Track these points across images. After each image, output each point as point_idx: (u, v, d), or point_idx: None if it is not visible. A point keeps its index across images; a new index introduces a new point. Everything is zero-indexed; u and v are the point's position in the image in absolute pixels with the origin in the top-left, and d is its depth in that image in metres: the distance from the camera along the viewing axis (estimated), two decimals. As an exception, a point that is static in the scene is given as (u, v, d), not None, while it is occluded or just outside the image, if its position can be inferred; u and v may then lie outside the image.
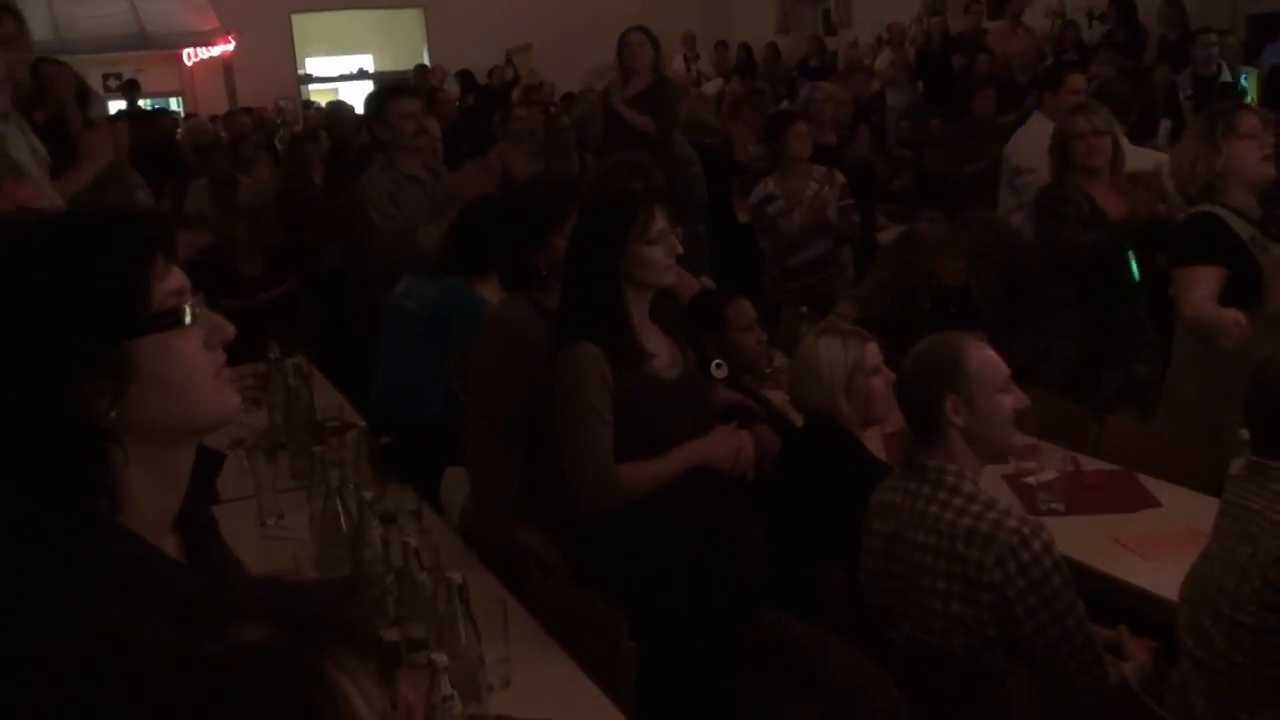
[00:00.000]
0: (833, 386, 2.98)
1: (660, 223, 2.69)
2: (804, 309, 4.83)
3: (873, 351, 2.99)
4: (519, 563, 2.89)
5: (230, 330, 1.29)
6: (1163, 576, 2.72)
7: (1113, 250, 3.95)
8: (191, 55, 15.28)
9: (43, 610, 1.12)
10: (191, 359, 1.24)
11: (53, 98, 4.95)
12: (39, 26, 11.55)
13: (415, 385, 3.99)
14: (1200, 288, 3.46)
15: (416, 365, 4.01)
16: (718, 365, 3.40)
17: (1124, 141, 4.31)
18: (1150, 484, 3.31)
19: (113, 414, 1.18)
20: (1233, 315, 3.32)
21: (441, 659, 2.09)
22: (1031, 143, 5.28)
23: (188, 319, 1.23)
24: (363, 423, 4.13)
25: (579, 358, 2.67)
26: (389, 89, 5.54)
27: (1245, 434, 2.28)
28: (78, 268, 1.18)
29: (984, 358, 2.50)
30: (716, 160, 7.20)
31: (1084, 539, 2.93)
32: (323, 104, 13.60)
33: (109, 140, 4.06)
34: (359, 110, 11.79)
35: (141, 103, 12.50)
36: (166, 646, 0.78)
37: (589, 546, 2.81)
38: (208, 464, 1.43)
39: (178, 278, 1.24)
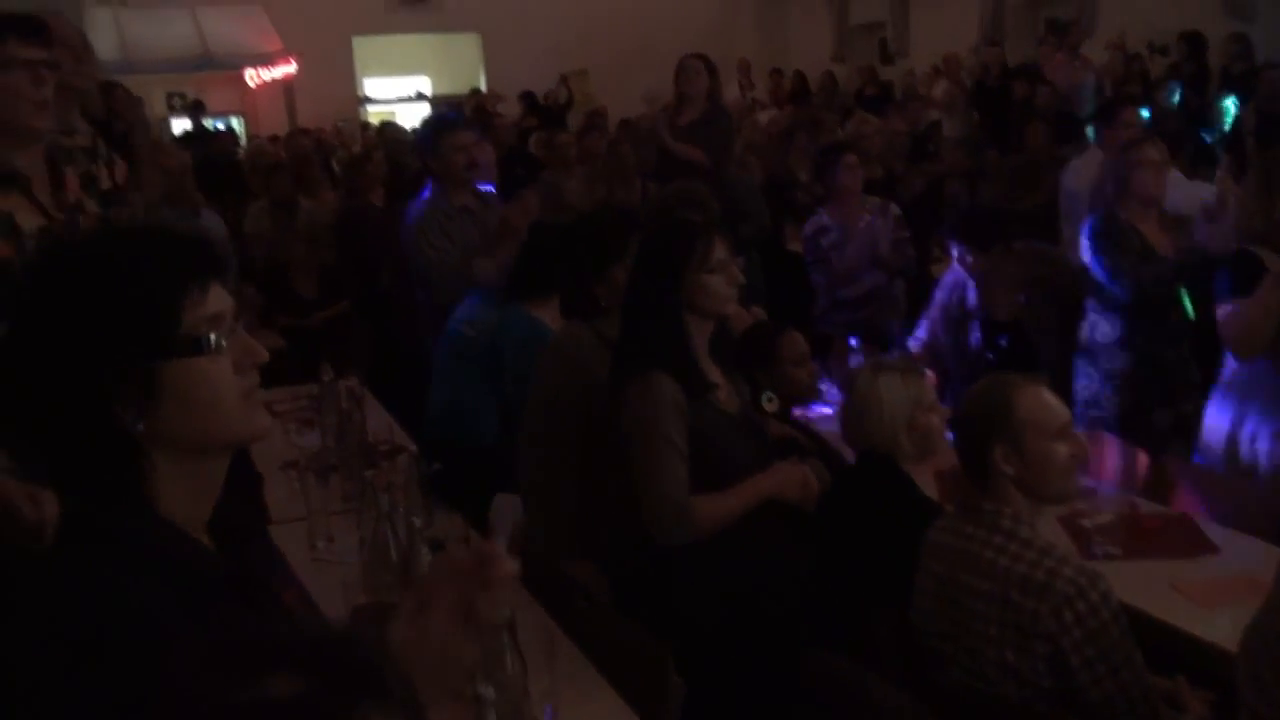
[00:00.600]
0: (894, 424, 2.94)
1: (720, 252, 2.70)
2: (856, 342, 4.79)
3: (929, 386, 2.96)
4: (566, 592, 2.88)
5: (262, 354, 1.36)
6: (1221, 626, 2.66)
7: (1169, 284, 3.90)
8: (254, 76, 15.51)
9: (97, 594, 1.21)
10: (218, 382, 1.31)
11: (123, 120, 5.03)
12: (107, 47, 11.80)
13: (470, 410, 4.01)
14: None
15: (472, 390, 4.03)
16: (769, 399, 3.38)
17: (1175, 175, 4.29)
18: (1209, 529, 3.24)
19: (140, 426, 1.27)
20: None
21: (488, 692, 2.07)
22: (1086, 172, 5.26)
23: (212, 347, 1.29)
24: (413, 446, 4.15)
25: (655, 387, 2.67)
26: (442, 120, 5.55)
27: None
28: (113, 291, 1.26)
29: (1037, 404, 2.44)
30: (771, 188, 7.20)
31: (1140, 585, 2.86)
32: (374, 125, 13.80)
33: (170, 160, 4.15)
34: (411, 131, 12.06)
35: (206, 122, 12.72)
36: (201, 692, 0.78)
37: (638, 578, 2.80)
38: (248, 483, 1.49)
39: (216, 303, 1.31)
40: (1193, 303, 3.99)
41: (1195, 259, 3.91)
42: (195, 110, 12.49)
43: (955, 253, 4.49)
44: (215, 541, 1.40)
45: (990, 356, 4.32)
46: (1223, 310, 3.48)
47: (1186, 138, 5.21)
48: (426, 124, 5.70)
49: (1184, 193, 4.37)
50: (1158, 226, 4.06)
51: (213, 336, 1.30)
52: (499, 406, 3.97)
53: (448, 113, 7.60)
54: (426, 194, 4.95)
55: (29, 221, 2.60)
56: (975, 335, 4.47)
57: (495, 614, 1.32)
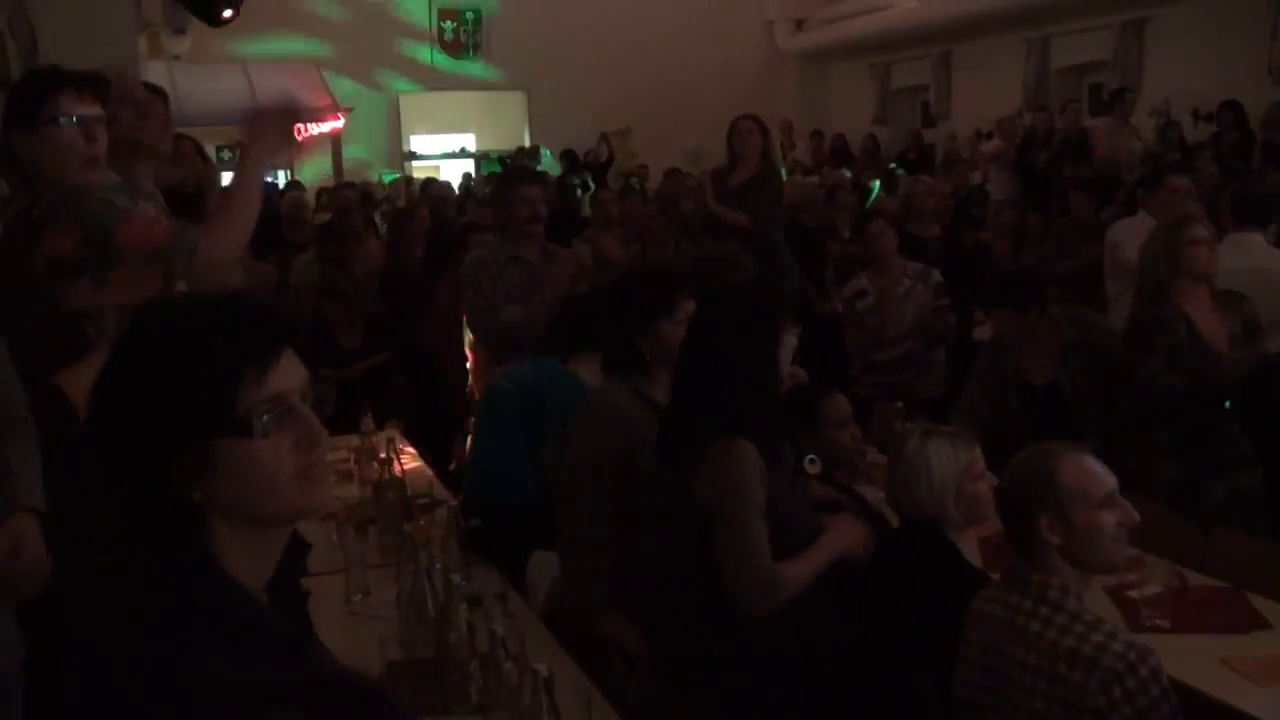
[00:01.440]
0: (944, 491, 2.90)
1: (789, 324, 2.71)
2: (899, 404, 4.76)
3: (978, 455, 2.92)
4: (603, 653, 2.85)
5: (321, 437, 1.37)
6: (1275, 704, 2.61)
7: (1196, 397, 3.86)
8: (302, 130, 15.69)
9: (151, 648, 1.24)
10: (270, 461, 1.33)
11: (189, 172, 5.09)
12: (160, 100, 12.04)
13: (510, 466, 4.00)
14: None
15: (511, 446, 4.02)
16: (811, 461, 3.35)
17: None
18: (1260, 603, 3.18)
19: (197, 495, 1.31)
20: None
21: (527, 756, 2.05)
22: (1140, 236, 5.24)
23: (262, 430, 1.31)
24: (452, 500, 4.14)
25: (742, 454, 2.65)
26: (515, 172, 5.65)
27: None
28: (174, 369, 1.30)
29: (1082, 473, 2.40)
30: (811, 244, 7.21)
31: (1190, 660, 2.80)
32: (418, 180, 13.95)
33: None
34: (455, 188, 12.19)
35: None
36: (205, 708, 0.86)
37: (679, 639, 2.77)
38: (296, 548, 1.50)
39: (280, 380, 1.33)
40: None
41: (1238, 375, 3.87)
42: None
43: (994, 321, 4.43)
44: (273, 603, 1.42)
45: (1027, 421, 4.28)
46: None
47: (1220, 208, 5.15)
48: (500, 174, 5.80)
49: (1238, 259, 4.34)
50: (1209, 305, 4.01)
51: (265, 419, 1.32)
52: (538, 463, 3.97)
53: (522, 165, 7.70)
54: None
55: None
56: (1012, 399, 4.43)
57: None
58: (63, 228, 2.47)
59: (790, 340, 2.74)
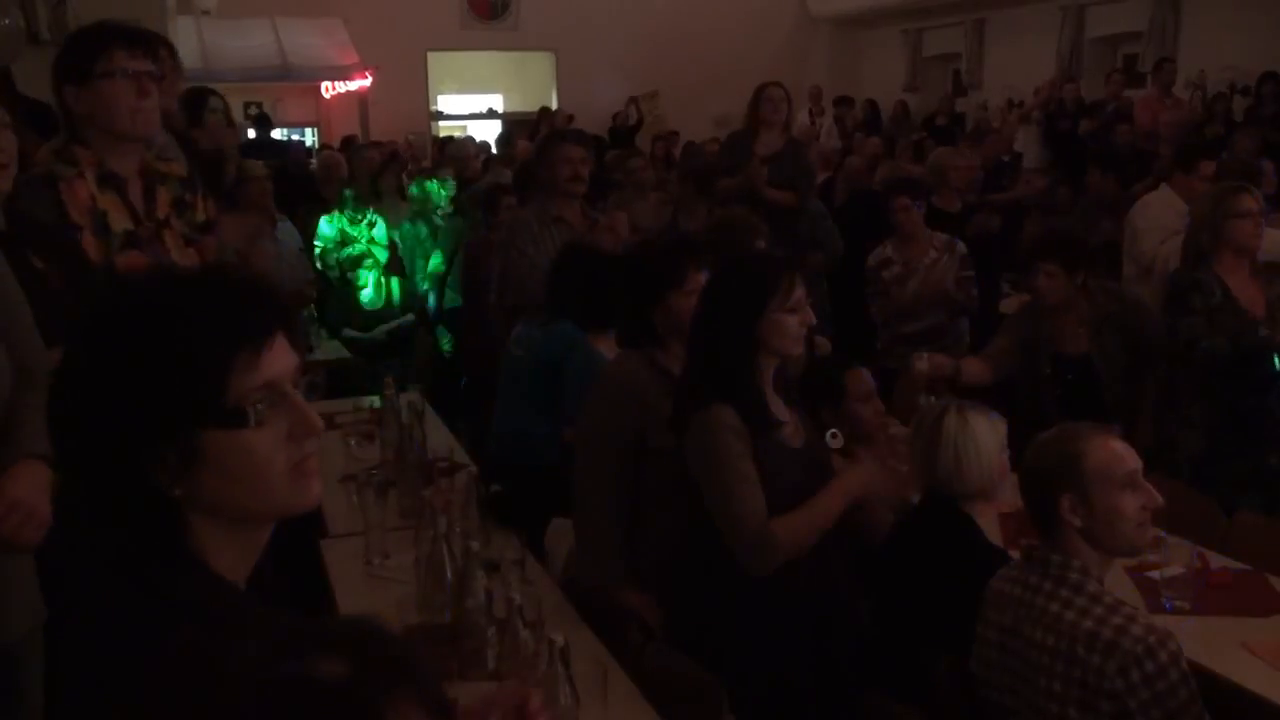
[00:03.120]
0: (991, 467, 2.87)
1: (799, 291, 2.67)
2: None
3: (1001, 432, 2.91)
4: (619, 623, 2.85)
5: (317, 427, 1.26)
6: (1291, 688, 2.59)
7: (1239, 362, 3.81)
8: (329, 88, 15.71)
9: (133, 635, 1.15)
10: (262, 454, 1.22)
11: (211, 133, 5.10)
12: (189, 55, 11.99)
13: (527, 432, 4.01)
14: None
15: (527, 412, 4.02)
16: (833, 435, 3.33)
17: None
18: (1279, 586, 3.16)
19: (177, 491, 1.20)
20: None
21: (542, 726, 2.05)
22: (1153, 212, 5.18)
23: (257, 420, 1.21)
24: (472, 465, 4.15)
25: (716, 420, 2.63)
26: (558, 133, 5.64)
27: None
28: (159, 349, 1.18)
29: (1106, 454, 2.37)
30: (854, 207, 7.12)
31: (1209, 642, 2.79)
32: (452, 139, 13.91)
33: (261, 194, 4.26)
34: (483, 148, 12.14)
35: (275, 133, 12.89)
36: (248, 664, 0.82)
37: (693, 613, 2.77)
38: (301, 536, 1.43)
39: (273, 366, 1.22)
40: None
41: None
42: (262, 124, 12.64)
43: (1040, 275, 4.34)
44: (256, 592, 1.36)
45: (1056, 389, 4.26)
46: None
47: (1256, 182, 5.07)
48: (544, 135, 5.77)
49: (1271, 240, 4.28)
50: (1248, 277, 3.97)
51: (259, 408, 1.21)
52: (556, 429, 3.96)
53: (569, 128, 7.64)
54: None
55: (119, 224, 2.67)
56: (1045, 365, 4.41)
57: None
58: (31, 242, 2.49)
59: (797, 311, 2.69)
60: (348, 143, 11.80)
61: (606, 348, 3.55)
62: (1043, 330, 4.31)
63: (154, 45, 2.78)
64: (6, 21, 3.88)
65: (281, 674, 0.81)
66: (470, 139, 12.20)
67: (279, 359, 1.23)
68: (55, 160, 2.65)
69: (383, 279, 6.86)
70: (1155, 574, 3.14)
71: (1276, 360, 3.80)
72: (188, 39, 12.06)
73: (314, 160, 10.35)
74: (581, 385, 3.47)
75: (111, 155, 2.66)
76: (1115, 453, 2.39)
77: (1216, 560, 3.30)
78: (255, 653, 0.82)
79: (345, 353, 6.44)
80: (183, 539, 1.23)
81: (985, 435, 2.89)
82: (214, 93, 5.51)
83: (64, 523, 2.08)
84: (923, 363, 4.18)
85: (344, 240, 6.83)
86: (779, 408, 2.77)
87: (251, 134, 11.89)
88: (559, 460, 3.66)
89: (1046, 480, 2.39)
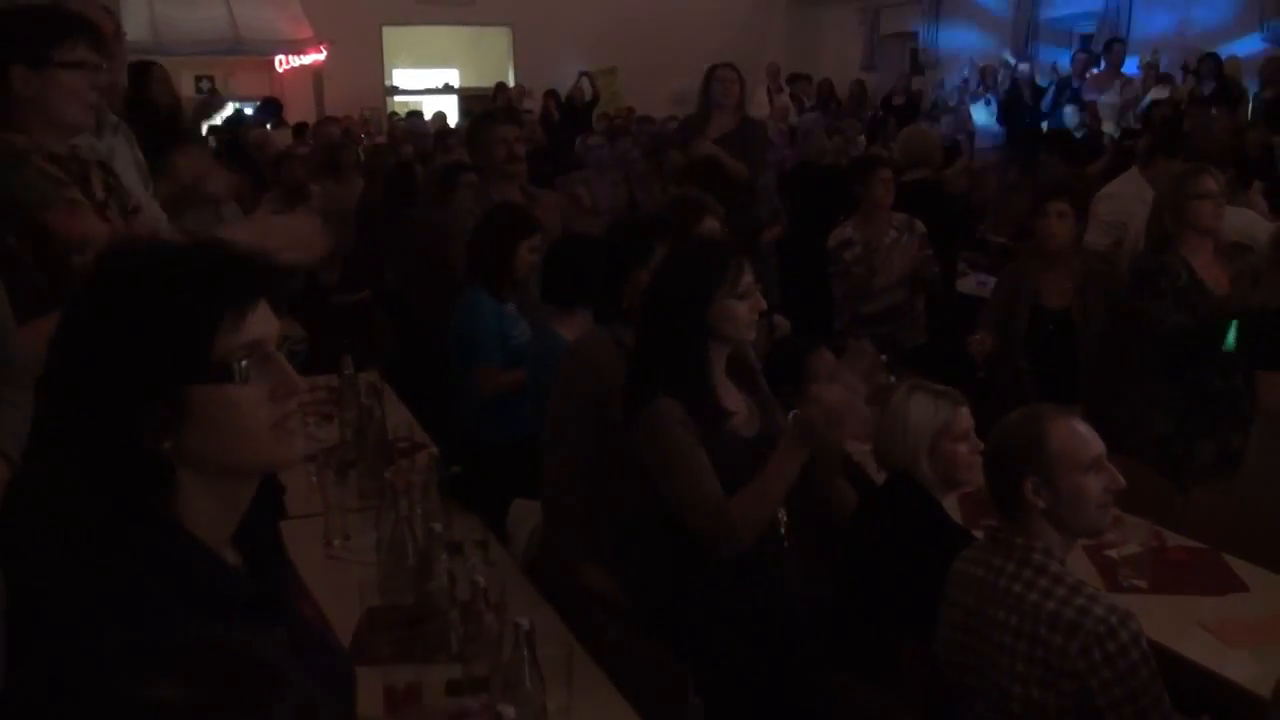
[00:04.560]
0: (917, 445, 2.92)
1: (748, 276, 2.64)
2: (883, 357, 4.74)
3: (964, 416, 2.92)
4: (584, 605, 2.84)
5: (298, 386, 1.33)
6: (1248, 667, 2.63)
7: (1203, 335, 3.84)
8: (283, 62, 15.51)
9: (98, 601, 1.22)
10: (247, 410, 1.29)
11: (158, 102, 5.04)
12: (138, 27, 11.80)
13: (487, 413, 4.04)
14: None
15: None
16: (795, 416, 3.33)
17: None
18: (1236, 565, 3.20)
19: (167, 445, 1.27)
20: None
21: (509, 711, 2.05)
22: (1124, 189, 5.23)
23: (242, 376, 1.28)
24: (432, 445, 4.13)
25: (660, 412, 2.60)
26: (488, 114, 5.60)
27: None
28: (148, 310, 1.25)
29: (1069, 436, 2.38)
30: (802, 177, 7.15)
31: (1166, 620, 2.82)
32: (403, 115, 13.80)
33: (198, 162, 4.20)
34: (443, 125, 12.04)
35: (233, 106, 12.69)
36: (96, 681, 0.89)
37: (656, 595, 2.76)
38: (272, 492, 1.47)
39: (256, 328, 1.30)
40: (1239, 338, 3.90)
41: (1237, 308, 3.85)
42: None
43: (1051, 215, 4.37)
44: (242, 553, 1.40)
45: (1033, 341, 4.33)
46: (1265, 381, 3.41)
47: (1226, 162, 5.13)
48: (474, 117, 5.73)
49: (1239, 220, 4.34)
50: (1212, 258, 4.01)
51: (244, 365, 1.28)
52: (515, 406, 3.98)
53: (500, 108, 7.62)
54: None
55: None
56: (1022, 316, 4.47)
57: None
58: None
59: (746, 297, 2.67)
60: (300, 129, 11.67)
61: (570, 331, 3.53)
62: (1027, 283, 4.36)
63: (102, 37, 2.74)
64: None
65: (124, 691, 0.85)
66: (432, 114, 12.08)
67: (262, 321, 1.30)
68: None
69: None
70: (1113, 553, 3.18)
71: (1230, 336, 3.84)
72: (137, 11, 11.85)
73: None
74: (540, 368, 3.49)
75: (48, 141, 2.61)
76: (1079, 435, 2.40)
77: (1173, 539, 3.34)
78: (114, 667, 0.88)
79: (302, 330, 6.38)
80: (166, 499, 1.29)
81: (919, 412, 2.92)
82: (155, 64, 5.46)
83: (23, 510, 2.05)
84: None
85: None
86: (731, 396, 2.72)
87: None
88: (518, 439, 3.66)
89: (1010, 462, 2.40)
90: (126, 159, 3.48)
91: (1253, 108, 9.49)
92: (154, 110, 4.95)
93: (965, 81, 12.72)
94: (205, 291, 1.27)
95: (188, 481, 1.30)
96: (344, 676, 1.52)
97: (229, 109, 10.87)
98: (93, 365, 1.25)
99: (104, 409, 1.25)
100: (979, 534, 2.72)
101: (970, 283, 6.80)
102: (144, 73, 5.17)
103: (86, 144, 2.83)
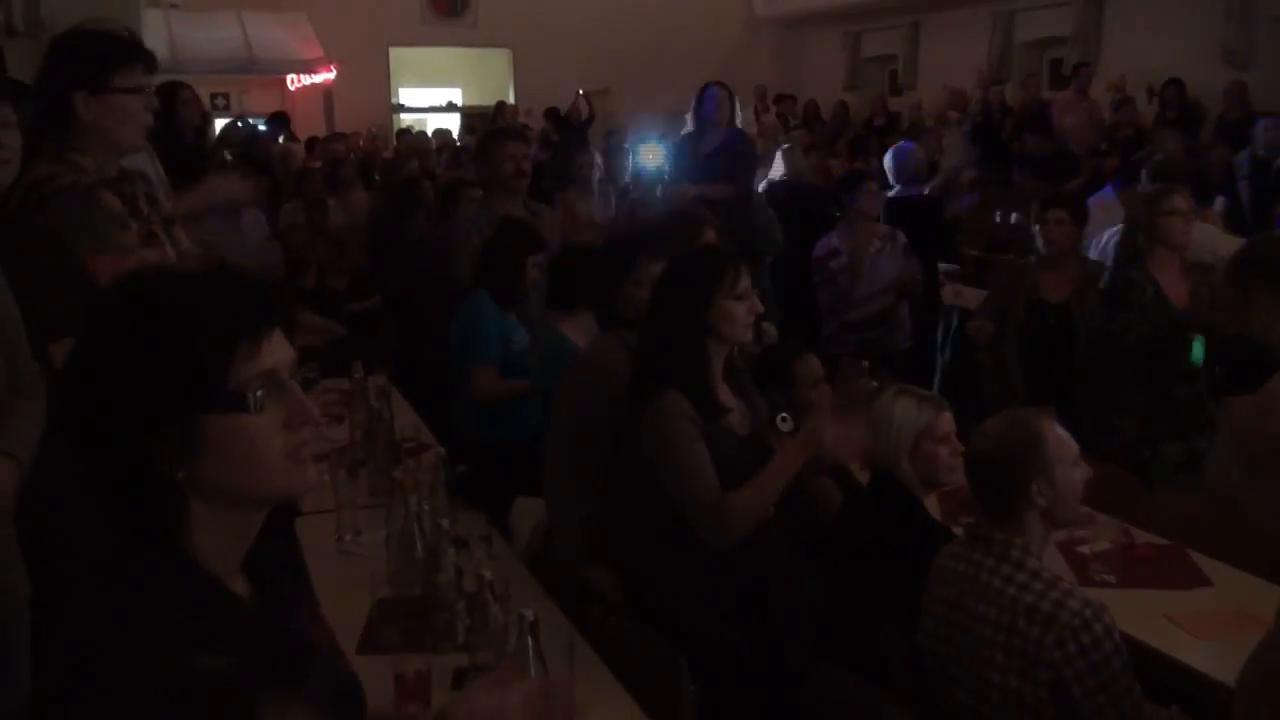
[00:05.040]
0: (899, 445, 2.93)
1: (745, 280, 2.67)
2: (865, 362, 4.75)
3: (945, 420, 2.93)
4: (585, 598, 2.84)
5: (313, 416, 1.27)
6: (1213, 657, 2.63)
7: (1167, 344, 3.86)
8: (295, 80, 15.50)
9: (93, 630, 1.16)
10: (260, 439, 1.23)
11: (181, 122, 5.04)
12: (157, 47, 11.74)
13: (494, 415, 4.05)
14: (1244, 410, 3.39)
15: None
16: (783, 419, 3.33)
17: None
18: (1200, 561, 3.20)
19: (180, 475, 1.20)
20: None
21: (513, 698, 2.04)
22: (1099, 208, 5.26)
23: (256, 406, 1.22)
24: (438, 446, 4.12)
25: (668, 405, 2.64)
26: (499, 131, 5.63)
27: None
28: (163, 339, 1.19)
29: (1059, 436, 2.42)
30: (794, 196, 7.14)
31: (1135, 613, 2.82)
32: (410, 131, 13.81)
33: (232, 189, 4.22)
34: (447, 141, 12.02)
35: (248, 121, 12.67)
36: (141, 659, 0.86)
37: (656, 586, 2.77)
38: (284, 517, 1.45)
39: (271, 356, 1.24)
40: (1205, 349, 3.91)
41: (1197, 321, 3.87)
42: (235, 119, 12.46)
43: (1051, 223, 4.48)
44: (251, 578, 1.35)
45: (1032, 331, 4.38)
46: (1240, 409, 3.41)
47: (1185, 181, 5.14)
48: (483, 133, 5.74)
49: (1201, 235, 4.37)
50: (1179, 274, 4.03)
51: (258, 394, 1.22)
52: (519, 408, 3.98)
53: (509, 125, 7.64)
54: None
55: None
56: (1019, 308, 4.51)
57: None
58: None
59: (744, 299, 2.70)
60: (311, 143, 11.68)
61: (574, 331, 3.55)
62: (1026, 279, 4.40)
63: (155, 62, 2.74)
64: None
65: (168, 668, 0.84)
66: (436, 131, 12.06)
67: (277, 350, 1.25)
68: (64, 170, 2.57)
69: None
70: (1084, 549, 3.18)
71: (1195, 349, 3.85)
72: (157, 32, 11.82)
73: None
74: (546, 370, 3.49)
75: (105, 162, 2.60)
76: (1063, 434, 2.44)
77: (1141, 537, 3.34)
78: (151, 649, 0.86)
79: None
80: (176, 527, 1.23)
81: (902, 413, 2.93)
82: (184, 85, 5.44)
83: (48, 507, 2.04)
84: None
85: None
86: (727, 396, 2.77)
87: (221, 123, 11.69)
88: (522, 439, 3.66)
89: (1014, 466, 2.39)
90: (149, 174, 3.48)
91: (1214, 130, 9.52)
92: (180, 129, 4.94)
93: (942, 102, 12.73)
94: (220, 321, 1.22)
95: (199, 510, 1.24)
96: (354, 699, 1.45)
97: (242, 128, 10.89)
98: (107, 393, 1.20)
99: (117, 437, 1.20)
100: (958, 531, 2.73)
101: (949, 293, 6.81)
102: (173, 93, 5.14)
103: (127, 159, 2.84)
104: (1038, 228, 4.56)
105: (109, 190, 2.58)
